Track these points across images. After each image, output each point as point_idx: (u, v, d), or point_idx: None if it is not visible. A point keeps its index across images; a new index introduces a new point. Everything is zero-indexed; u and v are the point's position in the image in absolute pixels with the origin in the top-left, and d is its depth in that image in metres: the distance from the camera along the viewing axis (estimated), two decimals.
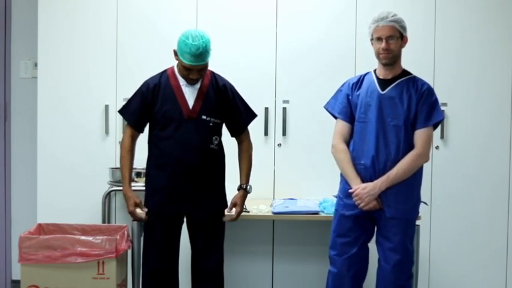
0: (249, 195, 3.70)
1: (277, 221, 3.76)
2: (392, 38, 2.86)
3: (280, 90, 3.80)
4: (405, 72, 2.95)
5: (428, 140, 2.88)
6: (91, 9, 3.83)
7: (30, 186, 3.99)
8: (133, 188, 3.62)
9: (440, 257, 3.78)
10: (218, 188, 3.07)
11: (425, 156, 2.86)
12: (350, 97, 3.00)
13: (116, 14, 3.81)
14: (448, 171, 3.76)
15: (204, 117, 2.94)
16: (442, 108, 3.70)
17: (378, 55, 2.91)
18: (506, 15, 3.75)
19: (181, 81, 2.98)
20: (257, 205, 3.43)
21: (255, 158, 3.77)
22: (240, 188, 3.10)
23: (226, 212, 3.10)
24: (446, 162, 3.76)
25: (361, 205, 2.88)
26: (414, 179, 2.88)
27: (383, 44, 2.85)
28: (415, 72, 3.05)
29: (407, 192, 2.87)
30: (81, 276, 3.12)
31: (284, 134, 3.79)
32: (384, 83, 2.93)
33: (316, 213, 3.35)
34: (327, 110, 3.12)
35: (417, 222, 3.12)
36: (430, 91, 2.89)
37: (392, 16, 2.87)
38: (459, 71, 3.75)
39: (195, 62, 2.86)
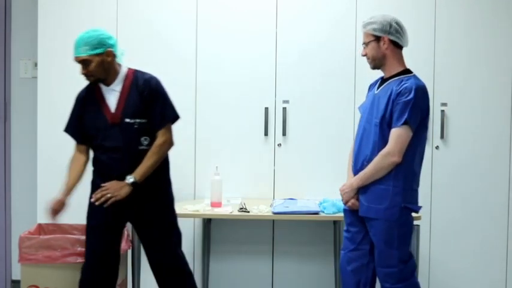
0: (249, 195, 3.72)
1: (277, 221, 3.76)
2: (366, 44, 2.89)
3: (280, 90, 3.80)
4: (404, 72, 2.91)
5: (399, 139, 2.76)
6: (91, 10, 3.83)
7: (30, 186, 3.99)
8: None
9: (440, 257, 3.78)
10: (158, 186, 2.98)
11: (392, 156, 2.76)
12: (367, 98, 3.08)
13: (115, 14, 3.81)
14: (448, 171, 3.76)
15: (127, 120, 2.86)
16: (442, 108, 3.73)
17: None
18: (506, 15, 3.75)
19: (103, 88, 2.92)
20: (257, 205, 3.42)
21: (255, 158, 3.80)
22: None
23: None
24: (446, 162, 3.76)
25: (343, 203, 2.96)
26: (389, 179, 2.80)
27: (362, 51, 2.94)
28: (414, 72, 3.04)
29: (381, 193, 2.81)
30: None
31: (284, 134, 3.80)
32: (382, 83, 2.95)
33: (316, 213, 3.35)
34: (359, 110, 3.14)
35: (417, 222, 3.11)
36: (407, 89, 2.77)
37: (363, 22, 2.91)
38: (459, 71, 3.75)
39: (75, 53, 2.84)
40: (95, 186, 2.92)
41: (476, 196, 3.77)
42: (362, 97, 3.67)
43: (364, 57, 2.96)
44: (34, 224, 3.50)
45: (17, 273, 3.89)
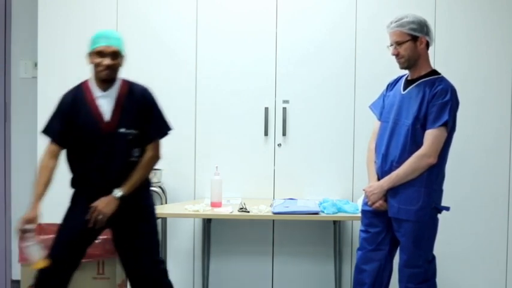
0: (249, 195, 3.72)
1: (277, 221, 3.76)
2: (399, 44, 2.84)
3: (280, 90, 3.80)
4: (432, 73, 2.90)
5: (435, 141, 2.78)
6: (91, 10, 3.83)
7: (30, 186, 3.97)
8: None
9: (441, 257, 3.77)
10: (141, 196, 2.91)
11: (429, 158, 2.78)
12: (384, 98, 3.05)
13: (115, 14, 3.81)
14: (448, 171, 3.76)
15: (122, 130, 2.78)
16: None
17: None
18: (507, 15, 3.75)
19: (96, 93, 2.82)
20: (257, 205, 3.43)
21: (255, 158, 3.80)
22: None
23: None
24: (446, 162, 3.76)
25: (369, 204, 2.93)
26: (422, 181, 2.81)
27: (392, 50, 2.87)
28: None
29: (412, 194, 2.82)
30: (81, 276, 3.11)
31: (284, 134, 3.80)
32: (408, 83, 2.92)
33: (316, 213, 3.35)
34: (371, 109, 3.13)
35: None
36: (443, 91, 2.79)
37: (397, 21, 2.84)
38: (459, 71, 3.74)
39: (107, 42, 2.76)
40: (79, 200, 2.85)
41: (476, 196, 3.77)
42: (362, 97, 3.70)
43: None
44: None
45: (17, 273, 3.88)
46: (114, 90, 2.83)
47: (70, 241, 2.84)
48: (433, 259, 2.93)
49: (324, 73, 3.78)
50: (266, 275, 3.84)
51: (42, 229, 3.40)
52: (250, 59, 3.79)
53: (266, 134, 3.80)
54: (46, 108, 3.80)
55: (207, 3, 3.80)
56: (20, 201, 4.17)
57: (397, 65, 2.95)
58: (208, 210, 3.41)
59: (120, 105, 2.81)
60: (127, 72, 3.81)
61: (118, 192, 2.76)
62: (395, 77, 3.08)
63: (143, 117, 2.83)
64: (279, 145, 3.81)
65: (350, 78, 3.76)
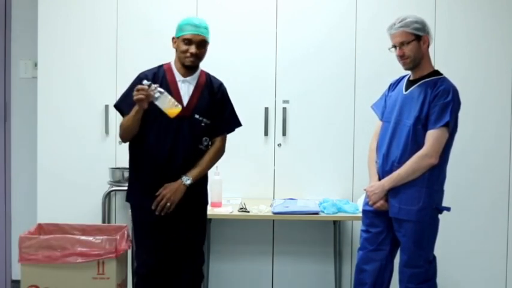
0: (249, 195, 3.72)
1: (277, 221, 3.76)
2: (404, 44, 2.83)
3: (280, 90, 3.80)
4: (434, 73, 2.90)
5: (437, 141, 2.78)
6: (91, 9, 3.83)
7: (30, 186, 3.99)
8: None
9: (441, 257, 3.78)
10: (201, 186, 2.95)
11: (430, 158, 2.78)
12: (386, 98, 3.05)
13: (116, 14, 3.82)
14: (448, 171, 3.76)
15: (197, 116, 2.85)
16: None
17: (399, 61, 2.90)
18: (506, 16, 3.76)
19: (178, 77, 2.88)
20: (257, 205, 3.43)
21: (255, 158, 3.80)
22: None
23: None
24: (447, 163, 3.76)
25: (370, 203, 2.93)
26: (423, 181, 2.81)
27: (397, 51, 2.86)
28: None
29: (413, 194, 2.82)
30: (81, 276, 3.12)
31: (284, 134, 3.80)
32: (410, 83, 2.92)
33: (316, 213, 3.36)
34: (373, 109, 3.13)
35: None
36: (445, 91, 2.79)
37: (400, 22, 2.84)
38: (459, 72, 3.75)
39: (196, 31, 2.82)
40: (144, 183, 2.85)
41: (476, 196, 3.77)
42: (362, 97, 3.71)
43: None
44: (34, 224, 3.50)
45: (17, 273, 3.89)
46: (194, 78, 2.91)
47: (156, 242, 2.87)
48: (433, 259, 2.93)
49: (324, 73, 3.78)
50: (266, 275, 3.85)
51: (42, 229, 3.41)
52: (250, 59, 3.80)
53: (266, 134, 3.80)
54: (46, 108, 3.84)
55: (207, 3, 3.80)
56: (20, 201, 4.18)
57: (397, 65, 2.95)
58: (208, 210, 3.40)
59: (198, 93, 2.89)
60: (126, 72, 3.82)
61: (187, 180, 2.81)
62: (395, 77, 3.08)
63: (217, 110, 2.92)
64: (279, 145, 3.82)
65: (350, 78, 3.77)
